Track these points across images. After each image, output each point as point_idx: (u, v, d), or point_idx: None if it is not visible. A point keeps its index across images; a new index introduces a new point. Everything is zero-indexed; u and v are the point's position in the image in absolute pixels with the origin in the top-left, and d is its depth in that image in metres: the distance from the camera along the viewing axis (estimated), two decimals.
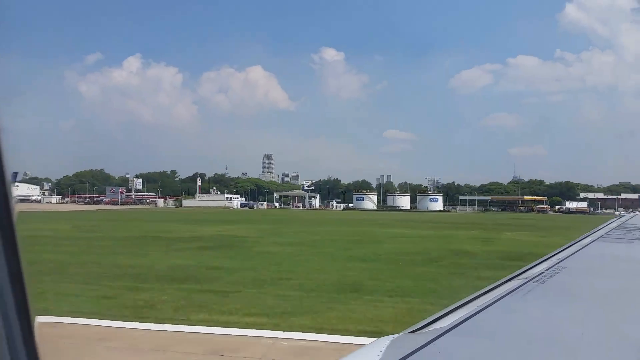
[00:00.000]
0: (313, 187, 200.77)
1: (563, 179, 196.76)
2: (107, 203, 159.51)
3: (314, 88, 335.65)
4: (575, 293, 3.59)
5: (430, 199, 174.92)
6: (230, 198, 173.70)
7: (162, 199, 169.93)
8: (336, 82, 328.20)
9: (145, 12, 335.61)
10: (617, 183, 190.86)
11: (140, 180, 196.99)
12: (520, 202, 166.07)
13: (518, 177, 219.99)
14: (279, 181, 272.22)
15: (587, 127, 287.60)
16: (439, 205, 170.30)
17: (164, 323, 11.45)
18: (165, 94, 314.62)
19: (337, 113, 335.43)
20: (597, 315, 2.99)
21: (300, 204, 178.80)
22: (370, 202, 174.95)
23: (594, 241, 5.93)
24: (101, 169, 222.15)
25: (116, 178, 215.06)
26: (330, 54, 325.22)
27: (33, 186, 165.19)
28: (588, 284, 3.87)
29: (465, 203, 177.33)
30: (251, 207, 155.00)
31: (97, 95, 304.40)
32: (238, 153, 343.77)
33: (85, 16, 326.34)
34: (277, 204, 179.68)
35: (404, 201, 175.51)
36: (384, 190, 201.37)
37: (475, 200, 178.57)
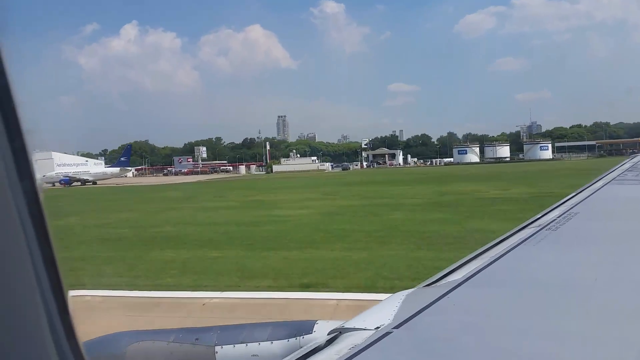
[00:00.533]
0: (371, 145, 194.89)
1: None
2: (186, 173, 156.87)
3: (316, 44, 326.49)
4: (588, 238, 3.55)
5: (541, 147, 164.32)
6: (315, 160, 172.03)
7: (244, 166, 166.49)
8: (337, 35, 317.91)
9: None
10: None
11: (204, 148, 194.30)
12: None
13: (536, 123, 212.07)
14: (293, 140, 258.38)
15: (597, 66, 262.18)
16: (548, 153, 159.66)
17: None
18: (165, 61, 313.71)
19: (340, 69, 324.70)
20: (611, 259, 2.97)
21: (394, 162, 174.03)
22: (473, 155, 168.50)
23: (605, 184, 5.75)
24: (145, 140, 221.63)
25: (161, 148, 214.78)
26: (330, 5, 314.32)
27: (97, 161, 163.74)
28: (600, 229, 3.82)
29: (562, 150, 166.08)
30: (346, 169, 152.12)
31: (97, 66, 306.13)
32: (244, 116, 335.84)
33: None
34: (365, 164, 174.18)
35: (504, 151, 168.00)
36: (450, 142, 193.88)
37: (584, 145, 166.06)
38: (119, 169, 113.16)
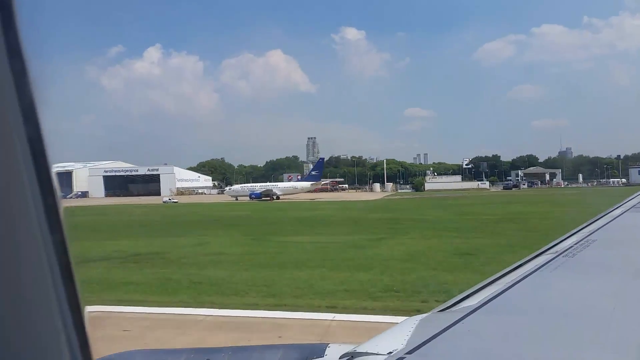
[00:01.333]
0: (471, 165, 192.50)
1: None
2: (315, 191, 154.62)
3: (335, 69, 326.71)
4: (606, 266, 3.50)
5: None
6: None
7: (377, 184, 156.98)
8: (357, 61, 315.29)
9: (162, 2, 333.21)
10: None
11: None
12: None
13: (570, 149, 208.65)
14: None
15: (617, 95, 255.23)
16: None
17: None
18: (187, 83, 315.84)
19: (358, 93, 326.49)
20: (629, 289, 2.93)
21: (560, 182, 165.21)
22: None
23: (625, 212, 5.66)
24: (221, 158, 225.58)
25: (235, 167, 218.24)
26: (352, 33, 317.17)
27: (206, 177, 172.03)
28: (619, 256, 3.75)
29: None
30: (510, 187, 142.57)
31: (119, 87, 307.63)
32: (264, 138, 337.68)
33: (102, 10, 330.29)
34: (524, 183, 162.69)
35: None
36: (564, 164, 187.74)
37: None
38: (310, 183, 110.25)
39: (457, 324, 2.35)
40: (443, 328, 2.29)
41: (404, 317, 2.60)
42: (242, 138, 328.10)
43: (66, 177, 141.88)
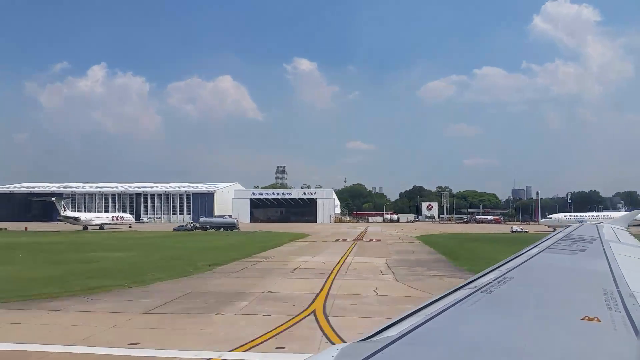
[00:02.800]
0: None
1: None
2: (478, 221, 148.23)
3: (286, 98, 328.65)
4: (521, 303, 3.64)
5: None
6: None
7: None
8: (307, 92, 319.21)
9: (117, 20, 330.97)
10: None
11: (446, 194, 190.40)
12: None
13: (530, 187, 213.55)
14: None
15: (548, 136, 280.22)
16: None
17: None
18: (131, 104, 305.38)
19: (305, 123, 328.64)
20: (541, 326, 3.04)
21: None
22: None
23: (540, 252, 5.94)
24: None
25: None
26: (304, 64, 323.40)
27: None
28: (533, 295, 3.90)
29: None
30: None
31: (59, 105, 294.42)
32: (207, 163, 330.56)
33: (46, 25, 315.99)
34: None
35: None
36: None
37: None
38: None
39: (377, 354, 2.37)
40: (363, 358, 2.30)
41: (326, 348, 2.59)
42: (183, 162, 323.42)
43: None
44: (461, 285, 4.06)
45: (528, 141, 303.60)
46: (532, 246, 6.60)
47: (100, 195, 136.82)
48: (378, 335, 2.76)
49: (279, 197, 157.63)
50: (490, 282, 4.03)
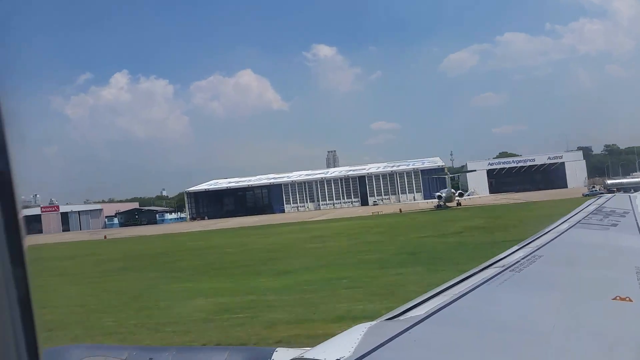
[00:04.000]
0: None
1: None
2: None
3: (308, 86, 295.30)
4: (550, 283, 3.58)
5: None
6: None
7: None
8: (328, 77, 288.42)
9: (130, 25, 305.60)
10: None
11: None
12: None
13: None
14: None
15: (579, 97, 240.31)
16: None
17: None
18: (158, 107, 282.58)
19: (330, 108, 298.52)
20: (570, 307, 3.00)
21: None
22: None
23: (570, 227, 5.71)
24: None
25: None
26: (324, 50, 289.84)
27: None
28: (563, 274, 3.82)
29: None
30: None
31: (85, 115, 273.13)
32: (237, 158, 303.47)
33: (64, 38, 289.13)
34: None
35: None
36: None
37: None
38: None
39: (404, 334, 2.40)
40: (390, 337, 2.33)
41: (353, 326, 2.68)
42: (220, 159, 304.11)
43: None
44: (489, 263, 4.03)
45: (560, 103, 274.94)
46: (562, 220, 6.40)
47: (321, 182, 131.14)
48: (404, 315, 2.82)
49: (520, 164, 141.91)
50: (519, 261, 3.98)
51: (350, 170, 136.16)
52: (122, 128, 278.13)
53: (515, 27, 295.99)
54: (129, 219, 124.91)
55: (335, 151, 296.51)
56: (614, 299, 2.96)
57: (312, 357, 2.26)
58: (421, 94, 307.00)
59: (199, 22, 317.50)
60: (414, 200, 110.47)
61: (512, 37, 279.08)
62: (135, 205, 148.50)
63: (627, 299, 2.95)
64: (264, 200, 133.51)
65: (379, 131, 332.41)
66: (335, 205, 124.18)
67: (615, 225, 6.05)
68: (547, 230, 5.67)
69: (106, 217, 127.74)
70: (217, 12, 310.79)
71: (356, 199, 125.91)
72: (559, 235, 5.19)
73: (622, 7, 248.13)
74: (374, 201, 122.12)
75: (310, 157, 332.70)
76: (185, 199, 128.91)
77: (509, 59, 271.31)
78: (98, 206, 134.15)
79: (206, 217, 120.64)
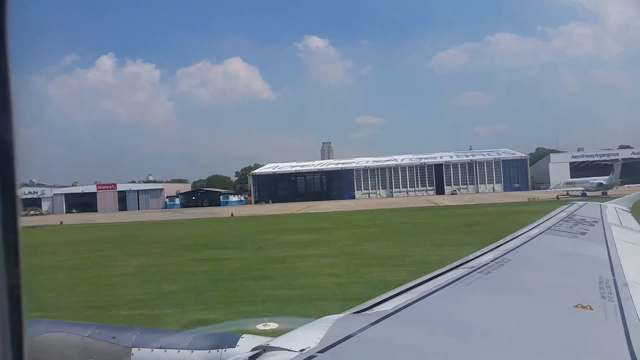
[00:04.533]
0: None
1: None
2: None
3: (297, 77, 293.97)
4: (517, 287, 3.63)
5: None
6: None
7: None
8: (320, 69, 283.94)
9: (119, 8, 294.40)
10: None
11: None
12: None
13: None
14: None
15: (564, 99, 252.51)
16: None
17: None
18: (142, 92, 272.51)
19: (319, 100, 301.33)
20: (535, 311, 3.04)
21: None
22: None
23: (541, 233, 5.87)
24: None
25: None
26: (315, 41, 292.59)
27: None
28: (529, 279, 3.89)
29: None
30: None
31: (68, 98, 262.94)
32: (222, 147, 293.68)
33: (55, 18, 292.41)
34: None
35: None
36: None
37: None
38: None
39: (370, 328, 2.42)
40: (356, 330, 2.35)
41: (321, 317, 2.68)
42: (199, 147, 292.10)
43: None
44: (458, 263, 4.07)
45: (544, 105, 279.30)
46: (533, 225, 6.56)
47: (395, 168, 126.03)
48: (373, 309, 2.85)
49: (603, 158, 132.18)
50: (487, 263, 4.02)
51: (422, 158, 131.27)
52: (105, 111, 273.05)
53: (506, 27, 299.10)
54: (189, 199, 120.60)
55: (330, 143, 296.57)
56: (576, 306, 3.02)
57: (277, 346, 2.28)
58: (410, 90, 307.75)
59: (190, 8, 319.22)
60: (493, 190, 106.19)
61: (503, 38, 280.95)
62: (184, 186, 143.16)
63: (588, 307, 3.02)
64: (328, 185, 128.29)
65: (365, 125, 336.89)
66: (408, 192, 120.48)
67: (583, 233, 6.18)
68: (518, 234, 5.79)
69: (167, 197, 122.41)
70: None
71: (431, 187, 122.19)
72: (529, 240, 5.31)
73: (612, 12, 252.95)
74: (452, 190, 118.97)
75: (297, 147, 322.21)
76: (251, 181, 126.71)
77: (498, 59, 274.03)
78: (159, 185, 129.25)
79: (270, 201, 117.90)
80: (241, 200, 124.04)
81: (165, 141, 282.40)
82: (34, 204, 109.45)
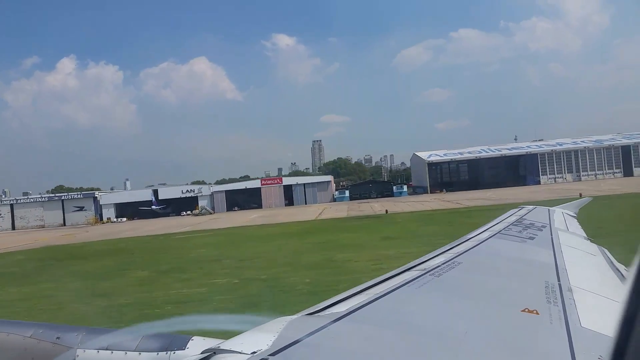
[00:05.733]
0: None
1: None
2: None
3: (264, 76, 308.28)
4: (466, 290, 3.69)
5: None
6: None
7: None
8: (286, 68, 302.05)
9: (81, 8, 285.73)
10: None
11: None
12: None
13: None
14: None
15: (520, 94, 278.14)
16: None
17: None
18: (106, 94, 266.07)
19: (285, 100, 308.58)
20: (484, 313, 3.12)
21: None
22: None
23: (490, 237, 5.91)
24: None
25: None
26: (283, 39, 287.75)
27: None
28: (478, 282, 3.95)
29: None
30: None
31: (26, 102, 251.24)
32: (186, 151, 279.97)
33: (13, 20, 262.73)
34: None
35: None
36: None
37: None
38: None
39: (323, 330, 2.43)
40: (308, 332, 2.35)
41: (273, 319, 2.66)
42: (164, 151, 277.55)
43: None
44: (411, 265, 4.13)
45: (505, 100, 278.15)
46: (483, 228, 6.64)
47: (582, 151, 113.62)
48: (325, 310, 2.86)
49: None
50: (439, 266, 4.09)
51: (609, 139, 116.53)
52: (66, 116, 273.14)
53: (469, 23, 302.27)
54: (359, 191, 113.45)
55: (320, 141, 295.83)
56: (523, 310, 3.06)
57: (228, 348, 2.25)
58: (375, 87, 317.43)
59: (154, 5, 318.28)
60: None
61: (466, 34, 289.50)
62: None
63: (535, 311, 3.06)
64: (505, 171, 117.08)
65: (331, 124, 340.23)
66: (597, 176, 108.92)
67: (532, 238, 6.26)
68: (468, 237, 5.90)
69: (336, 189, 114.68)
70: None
71: (618, 170, 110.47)
72: (479, 244, 5.40)
73: (573, 7, 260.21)
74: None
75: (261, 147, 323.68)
76: (426, 169, 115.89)
77: (461, 54, 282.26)
78: (327, 178, 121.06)
79: (444, 190, 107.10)
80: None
81: (132, 145, 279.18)
82: (190, 203, 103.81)
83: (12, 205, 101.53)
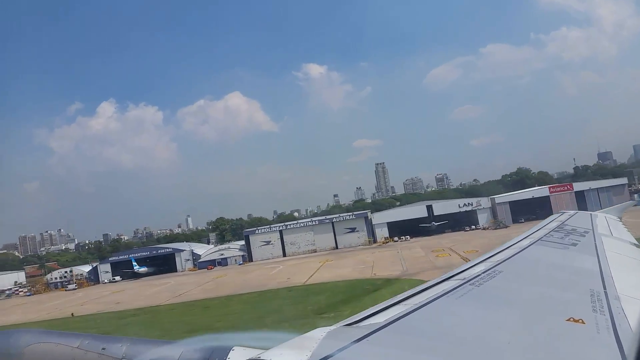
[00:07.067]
0: None
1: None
2: None
3: (298, 106, 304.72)
4: (508, 299, 3.58)
5: None
6: None
7: None
8: (318, 97, 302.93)
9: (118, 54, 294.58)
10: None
11: None
12: None
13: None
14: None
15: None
16: None
17: None
18: (147, 135, 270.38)
19: (318, 130, 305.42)
20: (527, 324, 3.03)
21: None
22: None
23: (532, 244, 5.74)
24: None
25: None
26: (314, 68, 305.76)
27: None
28: (521, 291, 3.84)
29: None
30: None
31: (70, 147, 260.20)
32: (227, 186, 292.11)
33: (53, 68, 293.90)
34: None
35: None
36: None
37: None
38: None
39: (362, 341, 2.42)
40: (348, 343, 2.34)
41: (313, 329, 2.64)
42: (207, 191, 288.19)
43: None
44: (450, 274, 4.04)
45: (539, 111, 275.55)
46: (524, 235, 6.45)
47: None
48: (364, 321, 2.85)
49: None
50: (479, 274, 3.99)
51: None
52: (109, 158, 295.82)
53: (498, 38, 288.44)
54: None
55: (383, 163, 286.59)
56: (568, 320, 2.97)
57: (268, 359, 2.24)
58: (407, 108, 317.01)
59: (187, 46, 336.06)
60: None
61: (495, 48, 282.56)
62: None
63: (580, 321, 2.96)
64: None
65: (362, 148, 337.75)
66: None
67: (575, 244, 6.04)
68: (509, 244, 5.68)
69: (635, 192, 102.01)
70: (204, 35, 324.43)
71: None
72: (520, 252, 5.23)
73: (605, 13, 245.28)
74: None
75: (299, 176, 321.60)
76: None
77: (491, 69, 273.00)
78: (623, 180, 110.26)
79: None
80: None
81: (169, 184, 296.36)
82: (467, 218, 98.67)
83: (281, 232, 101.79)
